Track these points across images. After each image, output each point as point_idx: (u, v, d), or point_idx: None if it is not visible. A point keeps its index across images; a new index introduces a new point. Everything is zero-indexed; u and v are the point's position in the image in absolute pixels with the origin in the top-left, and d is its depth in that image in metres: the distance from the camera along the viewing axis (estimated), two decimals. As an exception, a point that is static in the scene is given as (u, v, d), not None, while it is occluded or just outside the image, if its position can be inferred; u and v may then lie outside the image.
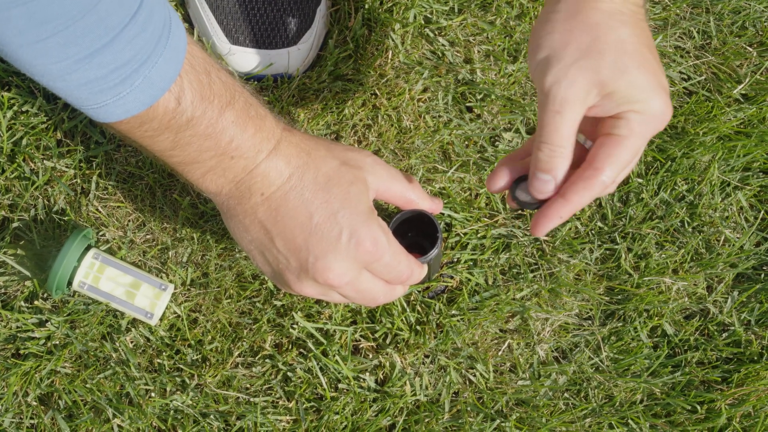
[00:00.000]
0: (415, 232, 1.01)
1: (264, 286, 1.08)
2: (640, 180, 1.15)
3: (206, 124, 0.76)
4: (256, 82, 1.14)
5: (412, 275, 0.87)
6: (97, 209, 1.10)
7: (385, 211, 1.11)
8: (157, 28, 0.71)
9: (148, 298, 1.04)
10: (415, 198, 0.90)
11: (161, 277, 1.08)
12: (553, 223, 0.79)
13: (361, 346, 1.08)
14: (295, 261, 0.82)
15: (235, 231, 0.84)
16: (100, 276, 1.03)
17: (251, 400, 1.06)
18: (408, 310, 1.09)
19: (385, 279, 0.86)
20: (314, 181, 0.81)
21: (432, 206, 0.92)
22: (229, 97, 0.78)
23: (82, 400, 1.05)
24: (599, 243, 1.13)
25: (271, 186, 0.80)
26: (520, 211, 1.11)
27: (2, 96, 1.10)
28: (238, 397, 1.06)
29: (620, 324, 1.12)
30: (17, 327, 1.06)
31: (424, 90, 1.16)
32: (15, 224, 1.08)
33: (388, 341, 1.08)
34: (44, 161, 1.10)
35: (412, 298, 1.09)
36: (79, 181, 1.10)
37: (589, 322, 1.12)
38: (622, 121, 0.76)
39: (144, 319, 1.04)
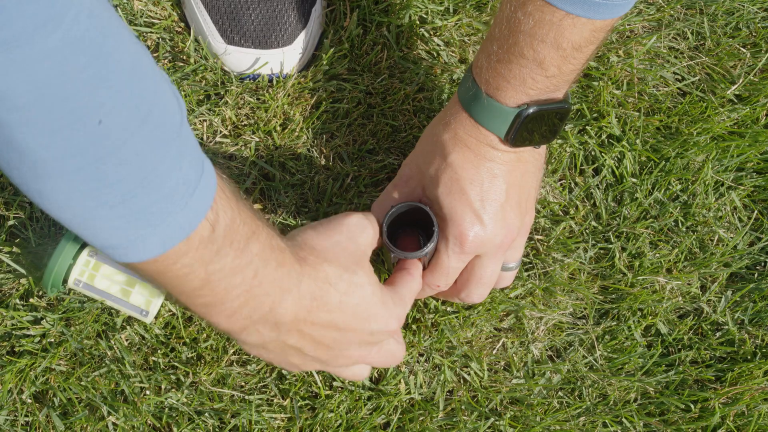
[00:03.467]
0: (410, 226, 1.02)
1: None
2: (634, 180, 1.15)
3: (233, 256, 0.72)
4: (251, 82, 1.14)
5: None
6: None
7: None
8: (194, 152, 0.67)
9: (143, 296, 1.04)
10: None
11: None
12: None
13: (355, 344, 1.09)
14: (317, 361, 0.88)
15: (258, 351, 0.85)
16: (96, 274, 1.03)
17: (246, 398, 1.06)
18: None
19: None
20: (337, 301, 0.83)
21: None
22: (254, 228, 0.74)
23: (77, 398, 1.05)
24: (593, 242, 1.14)
25: (296, 319, 0.81)
26: None
27: None
28: (233, 395, 1.06)
29: (614, 323, 1.12)
30: (12, 324, 1.06)
31: (419, 90, 1.16)
32: (11, 222, 1.09)
33: (382, 339, 1.08)
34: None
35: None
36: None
37: (583, 321, 1.12)
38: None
39: (139, 317, 1.04)
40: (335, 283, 0.83)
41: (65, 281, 1.04)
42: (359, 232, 0.89)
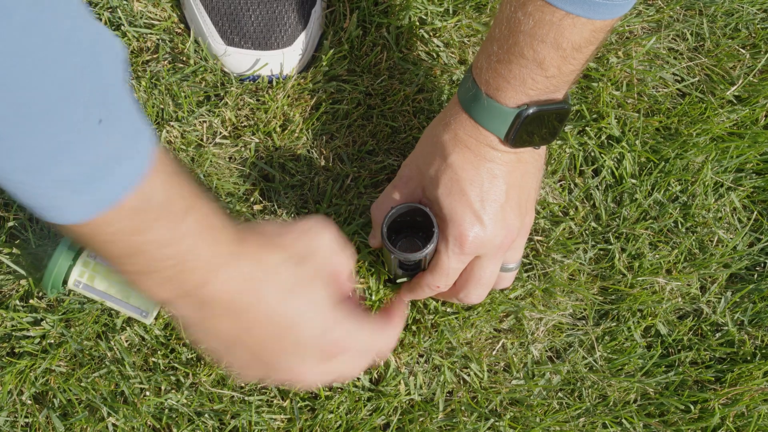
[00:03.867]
0: (410, 227, 1.02)
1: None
2: (633, 180, 1.16)
3: (167, 228, 0.71)
4: (251, 83, 1.15)
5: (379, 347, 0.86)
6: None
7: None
8: (134, 119, 0.67)
9: (143, 297, 1.04)
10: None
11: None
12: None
13: (355, 345, 1.09)
14: (262, 363, 0.81)
15: (188, 332, 0.81)
16: (95, 275, 1.03)
17: (246, 398, 1.06)
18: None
19: (354, 361, 0.84)
20: (277, 292, 0.78)
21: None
22: (192, 202, 0.73)
23: (76, 399, 1.05)
24: (593, 243, 1.14)
25: (225, 297, 0.76)
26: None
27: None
28: (233, 396, 1.06)
29: (614, 324, 1.12)
30: (12, 326, 1.06)
31: (419, 91, 1.16)
32: (10, 223, 1.09)
33: (382, 340, 1.08)
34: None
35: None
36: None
37: (583, 321, 1.12)
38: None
39: (139, 317, 1.04)
40: (278, 271, 0.78)
41: (65, 282, 1.04)
42: (331, 245, 0.82)
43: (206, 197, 0.75)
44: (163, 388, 1.06)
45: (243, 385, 1.07)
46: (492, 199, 0.95)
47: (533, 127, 0.92)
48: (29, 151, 0.60)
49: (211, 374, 1.06)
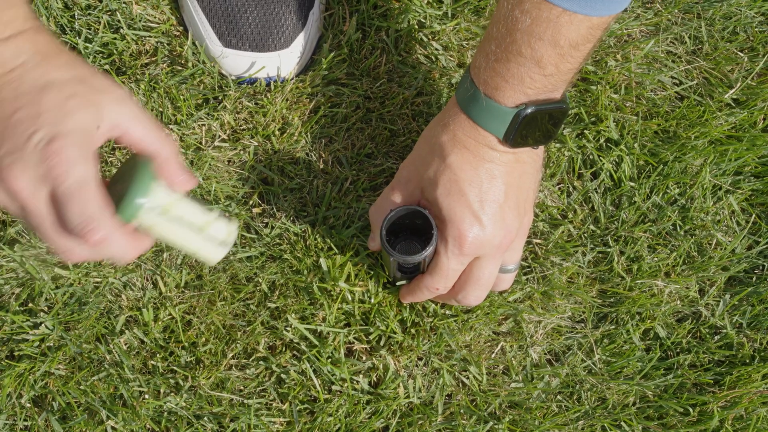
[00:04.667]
0: (409, 230, 1.02)
1: (258, 288, 1.09)
2: (632, 183, 1.16)
3: None
4: (248, 85, 1.15)
5: (97, 231, 0.73)
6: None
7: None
8: None
9: (221, 229, 0.89)
10: (157, 150, 0.79)
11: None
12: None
13: (354, 348, 1.09)
14: None
15: None
16: (169, 209, 0.86)
17: (245, 401, 1.06)
18: (404, 311, 1.09)
19: (65, 213, 0.72)
20: (35, 80, 0.73)
21: (177, 175, 0.81)
22: None
23: (76, 402, 1.05)
24: (592, 246, 1.14)
25: None
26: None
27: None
28: (232, 399, 1.06)
29: (613, 327, 1.12)
30: (11, 329, 1.06)
31: (418, 94, 1.16)
32: (12, 228, 1.09)
33: (381, 343, 1.09)
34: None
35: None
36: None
37: (582, 324, 1.13)
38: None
39: (210, 254, 0.89)
40: (56, 65, 0.74)
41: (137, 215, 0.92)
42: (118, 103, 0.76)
43: None
44: (162, 391, 1.06)
45: (242, 388, 1.07)
46: (491, 200, 0.95)
47: (532, 127, 0.92)
48: None
49: (210, 377, 1.06)
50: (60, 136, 0.71)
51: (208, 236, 0.88)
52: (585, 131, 1.17)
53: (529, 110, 0.90)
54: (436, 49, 1.18)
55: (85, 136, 0.73)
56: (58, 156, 0.71)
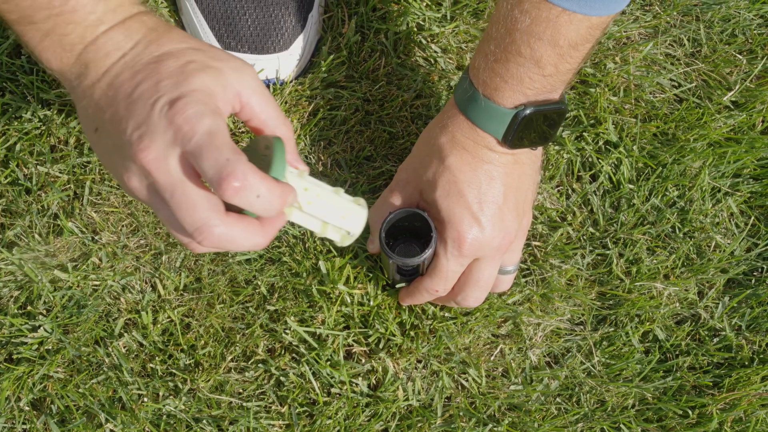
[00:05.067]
0: (408, 232, 1.02)
1: (257, 291, 1.09)
2: (631, 186, 1.16)
3: None
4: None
5: (236, 175, 0.66)
6: (90, 214, 1.10)
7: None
8: None
9: (349, 216, 0.82)
10: (277, 128, 0.76)
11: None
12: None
13: (353, 350, 1.09)
14: (119, 140, 0.70)
15: (82, 123, 0.75)
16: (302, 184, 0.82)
17: (244, 404, 1.06)
18: (404, 313, 1.09)
19: (200, 166, 0.68)
20: (151, 53, 0.72)
21: (295, 161, 0.78)
22: None
23: (74, 405, 1.05)
24: (591, 248, 1.14)
25: (107, 62, 0.72)
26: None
27: (-4, 101, 1.10)
28: (231, 402, 1.06)
29: (612, 329, 1.12)
30: (10, 332, 1.06)
31: (417, 97, 1.16)
32: (10, 231, 1.08)
33: (380, 346, 1.08)
34: (38, 166, 1.10)
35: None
36: (72, 186, 1.10)
37: (581, 327, 1.13)
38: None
39: (340, 238, 0.82)
40: (169, 39, 0.73)
41: None
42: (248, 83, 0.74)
43: None
44: (161, 394, 1.06)
45: (241, 390, 1.07)
46: (490, 201, 0.95)
47: (530, 128, 0.92)
48: None
49: (209, 380, 1.06)
50: (182, 95, 0.68)
51: (340, 220, 0.81)
52: (584, 133, 1.17)
53: (527, 111, 0.90)
54: (435, 52, 1.18)
55: (208, 96, 0.70)
56: (183, 113, 0.67)
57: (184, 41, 0.73)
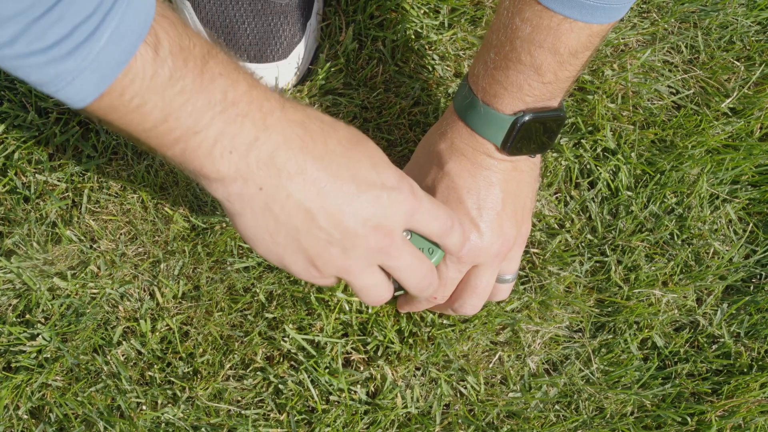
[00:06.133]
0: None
1: (255, 298, 1.09)
2: (629, 193, 1.16)
3: (193, 77, 0.66)
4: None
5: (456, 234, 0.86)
6: (89, 222, 1.10)
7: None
8: None
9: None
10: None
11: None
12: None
13: (352, 358, 1.09)
14: (341, 230, 0.76)
15: (256, 227, 0.75)
16: None
17: (242, 412, 1.06)
18: (402, 320, 1.09)
19: (432, 232, 0.84)
20: (340, 142, 0.75)
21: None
22: (208, 48, 0.68)
23: (73, 414, 1.05)
24: (589, 255, 1.14)
25: (297, 157, 0.72)
26: None
27: (-6, 110, 1.10)
28: (230, 410, 1.06)
29: (610, 336, 1.12)
30: (8, 340, 1.06)
31: (415, 104, 1.16)
32: (9, 239, 1.09)
33: (379, 353, 1.08)
34: (36, 175, 1.10)
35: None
36: (71, 194, 1.11)
37: (580, 334, 1.13)
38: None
39: None
40: (332, 124, 0.76)
41: None
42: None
43: (221, 45, 0.71)
44: (159, 402, 1.06)
45: (240, 398, 1.07)
46: (489, 207, 0.95)
47: (529, 135, 0.92)
48: (23, 19, 0.57)
49: (207, 388, 1.06)
50: (399, 176, 0.79)
51: None
52: (582, 140, 1.17)
53: (526, 117, 0.91)
54: (433, 59, 1.18)
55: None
56: (412, 191, 0.80)
57: (332, 127, 0.78)
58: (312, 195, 0.73)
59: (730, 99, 1.21)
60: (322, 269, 0.79)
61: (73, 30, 0.59)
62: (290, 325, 1.08)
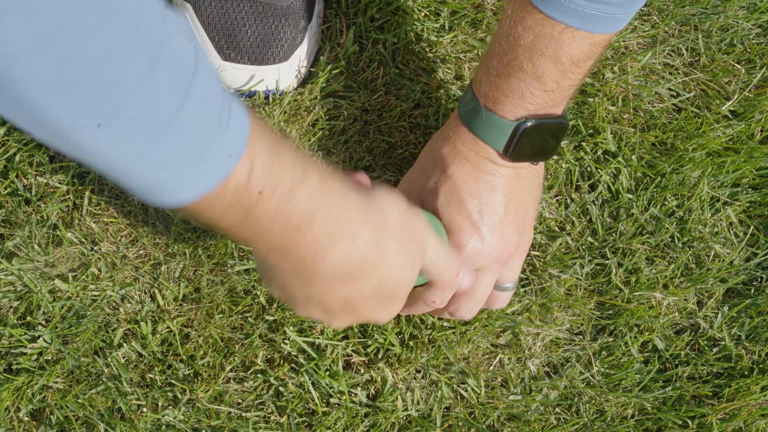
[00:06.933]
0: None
1: (256, 301, 1.09)
2: (630, 195, 1.16)
3: (276, 203, 0.68)
4: (247, 98, 1.15)
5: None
6: (90, 224, 1.10)
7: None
8: (219, 92, 0.63)
9: None
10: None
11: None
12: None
13: (352, 360, 1.09)
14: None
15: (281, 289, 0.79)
16: None
17: (243, 415, 1.06)
18: (402, 323, 1.09)
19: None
20: (398, 238, 0.79)
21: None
22: (301, 173, 0.69)
23: (74, 416, 1.05)
24: (590, 258, 1.14)
25: (356, 264, 0.76)
26: None
27: (-4, 112, 1.10)
28: (230, 412, 1.06)
29: (611, 339, 1.12)
30: (9, 342, 1.06)
31: (416, 107, 1.16)
32: (10, 241, 1.09)
33: (379, 356, 1.08)
34: (37, 177, 1.10)
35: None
36: (72, 197, 1.11)
37: (580, 336, 1.12)
38: None
39: None
40: (399, 228, 0.79)
41: None
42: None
43: (312, 161, 0.72)
44: (160, 404, 1.06)
45: (241, 401, 1.07)
46: (491, 211, 0.95)
47: (532, 141, 0.93)
48: (136, 135, 0.58)
49: (208, 390, 1.06)
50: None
51: None
52: (582, 143, 1.17)
53: (528, 123, 0.91)
54: (434, 62, 1.18)
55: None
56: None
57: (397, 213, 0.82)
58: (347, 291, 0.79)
59: (730, 102, 1.21)
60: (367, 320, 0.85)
61: (187, 148, 0.61)
62: (291, 328, 1.08)
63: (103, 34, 0.53)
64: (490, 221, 0.95)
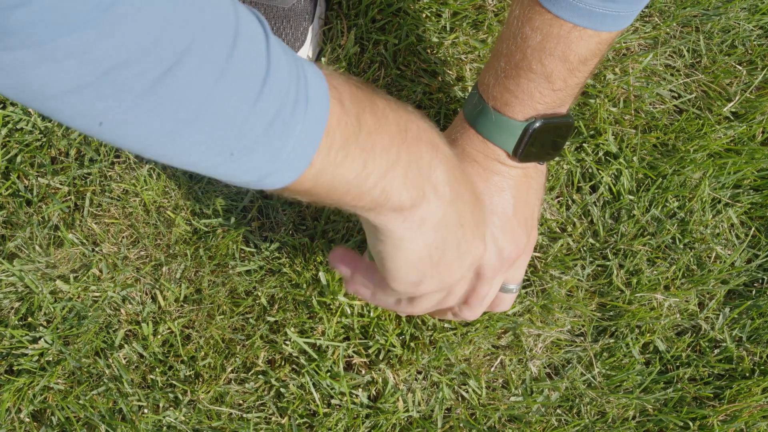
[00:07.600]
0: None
1: (257, 302, 1.09)
2: (631, 197, 1.16)
3: (370, 112, 0.67)
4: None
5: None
6: (91, 225, 1.10)
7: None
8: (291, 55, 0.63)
9: None
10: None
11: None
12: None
13: (353, 361, 1.09)
14: (472, 257, 0.82)
15: (423, 248, 0.77)
16: None
17: (244, 416, 1.06)
18: (403, 324, 1.09)
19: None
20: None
21: None
22: (365, 88, 0.70)
23: (75, 417, 1.05)
24: (591, 259, 1.14)
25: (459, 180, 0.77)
26: None
27: (-3, 113, 1.10)
28: (231, 414, 1.06)
29: (612, 340, 1.12)
30: (11, 343, 1.06)
31: (417, 107, 1.16)
32: (12, 243, 1.09)
33: (381, 357, 1.08)
34: (38, 178, 1.10)
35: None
36: (73, 198, 1.11)
37: (581, 338, 1.12)
38: None
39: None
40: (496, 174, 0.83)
41: None
42: None
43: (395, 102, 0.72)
44: (161, 405, 1.06)
45: (242, 402, 1.07)
46: (500, 213, 0.95)
47: (540, 141, 0.93)
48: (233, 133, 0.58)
49: (209, 391, 1.06)
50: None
51: None
52: (584, 144, 1.17)
53: (537, 124, 0.91)
54: (435, 63, 1.18)
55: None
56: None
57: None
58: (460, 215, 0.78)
59: (732, 103, 1.21)
60: (446, 283, 0.82)
61: (281, 107, 0.59)
62: (292, 329, 1.08)
63: (183, 33, 0.52)
64: (500, 222, 0.95)
